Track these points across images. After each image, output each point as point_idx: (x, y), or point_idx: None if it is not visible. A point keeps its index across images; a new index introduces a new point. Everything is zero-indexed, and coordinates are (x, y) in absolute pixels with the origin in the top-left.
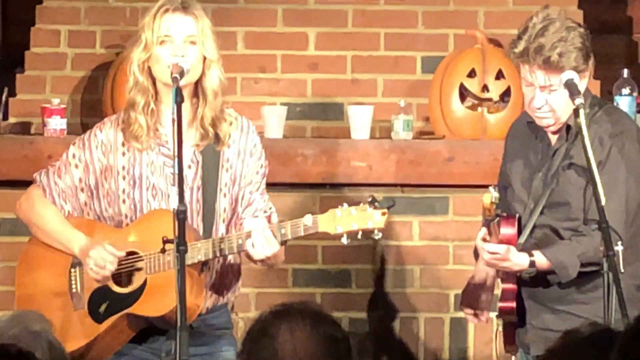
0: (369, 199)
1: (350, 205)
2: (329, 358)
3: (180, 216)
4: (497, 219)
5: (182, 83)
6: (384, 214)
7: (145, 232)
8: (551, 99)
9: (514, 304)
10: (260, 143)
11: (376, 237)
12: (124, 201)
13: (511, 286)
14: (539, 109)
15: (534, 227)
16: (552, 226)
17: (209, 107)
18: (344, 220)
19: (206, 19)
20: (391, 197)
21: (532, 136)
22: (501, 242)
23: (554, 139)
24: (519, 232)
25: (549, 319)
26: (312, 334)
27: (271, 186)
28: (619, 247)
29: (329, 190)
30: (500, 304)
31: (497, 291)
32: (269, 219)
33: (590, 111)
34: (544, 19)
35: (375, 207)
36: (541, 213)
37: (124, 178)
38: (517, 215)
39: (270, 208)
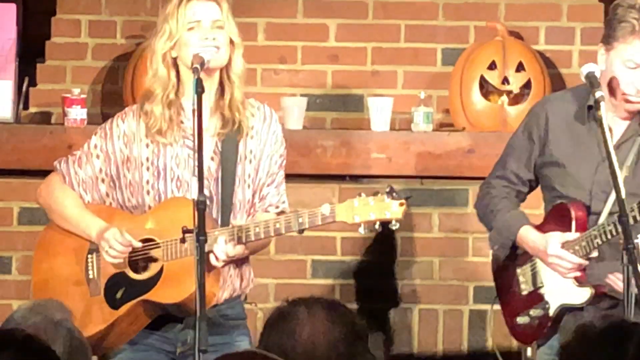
0: (387, 189)
1: (368, 195)
2: (346, 341)
3: (200, 206)
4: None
5: (213, 65)
6: (401, 204)
7: (163, 220)
8: None
9: (606, 289)
10: (282, 132)
11: (393, 228)
12: (148, 192)
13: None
14: None
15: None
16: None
17: (236, 91)
18: (362, 210)
19: (227, 5)
20: (409, 189)
21: (587, 121)
22: (577, 223)
23: (619, 129)
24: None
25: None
26: (330, 317)
27: (290, 177)
28: (639, 240)
29: (349, 182)
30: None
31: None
32: (280, 214)
33: None
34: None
35: (393, 198)
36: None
37: (147, 169)
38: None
39: (284, 202)
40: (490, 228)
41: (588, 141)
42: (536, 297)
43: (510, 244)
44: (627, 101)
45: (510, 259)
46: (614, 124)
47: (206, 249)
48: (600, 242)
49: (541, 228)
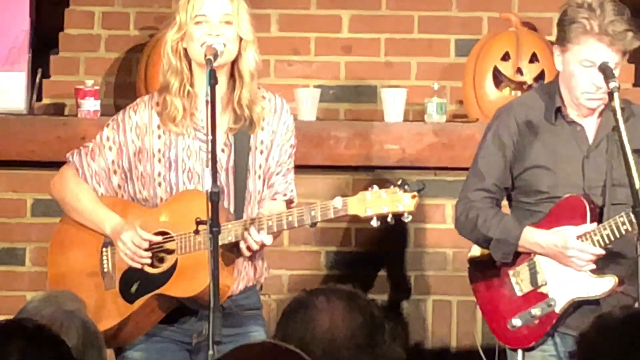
0: (399, 182)
1: (380, 188)
2: (366, 331)
3: (214, 198)
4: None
5: (218, 63)
6: (414, 197)
7: (177, 213)
8: None
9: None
10: (293, 122)
11: (406, 220)
12: (159, 184)
13: None
14: (600, 88)
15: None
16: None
17: (245, 88)
18: (374, 203)
19: (242, 1)
20: (421, 181)
21: (555, 121)
22: (592, 214)
23: (588, 124)
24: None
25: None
26: (349, 305)
27: (304, 168)
28: None
29: (362, 173)
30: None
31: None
32: (288, 202)
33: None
34: None
35: (405, 190)
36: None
37: (159, 161)
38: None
39: (292, 190)
40: (483, 241)
41: (563, 140)
42: (536, 297)
43: (514, 249)
44: (588, 99)
45: (495, 265)
46: (581, 122)
47: (220, 241)
48: (617, 233)
49: (545, 225)
